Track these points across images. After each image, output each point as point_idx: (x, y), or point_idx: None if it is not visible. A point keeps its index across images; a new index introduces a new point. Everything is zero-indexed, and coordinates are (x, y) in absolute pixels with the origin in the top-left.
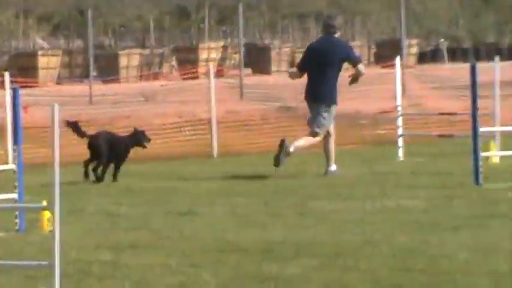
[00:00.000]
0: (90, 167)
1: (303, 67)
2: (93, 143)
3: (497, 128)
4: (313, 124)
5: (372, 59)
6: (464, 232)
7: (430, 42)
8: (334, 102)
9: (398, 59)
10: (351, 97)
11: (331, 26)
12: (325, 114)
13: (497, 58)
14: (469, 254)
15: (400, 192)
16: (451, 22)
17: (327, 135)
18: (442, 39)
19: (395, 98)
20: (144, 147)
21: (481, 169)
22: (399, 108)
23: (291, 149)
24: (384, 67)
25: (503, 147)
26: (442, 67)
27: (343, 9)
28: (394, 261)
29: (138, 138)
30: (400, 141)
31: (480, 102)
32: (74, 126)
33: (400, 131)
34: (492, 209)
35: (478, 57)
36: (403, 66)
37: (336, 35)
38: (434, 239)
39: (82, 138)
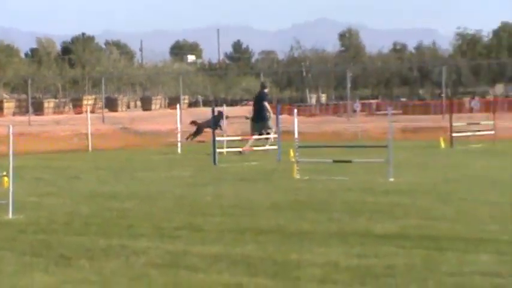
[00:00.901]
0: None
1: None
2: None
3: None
4: (261, 131)
5: None
6: (210, 186)
7: None
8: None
9: None
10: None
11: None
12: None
13: None
14: (212, 197)
15: (178, 167)
16: None
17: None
18: None
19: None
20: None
21: (217, 155)
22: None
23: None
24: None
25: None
26: None
27: None
28: (173, 205)
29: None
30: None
31: None
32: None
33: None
34: (221, 175)
35: None
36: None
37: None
38: (194, 191)
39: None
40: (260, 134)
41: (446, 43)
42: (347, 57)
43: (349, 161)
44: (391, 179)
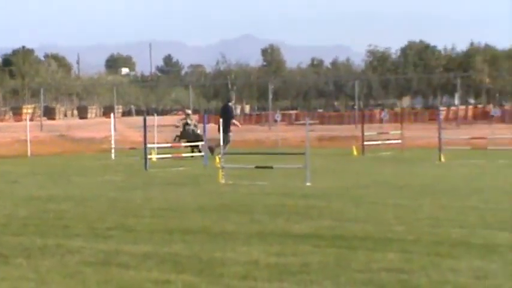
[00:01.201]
0: None
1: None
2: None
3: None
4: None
5: None
6: (141, 190)
7: None
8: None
9: None
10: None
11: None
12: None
13: None
14: (143, 200)
15: (111, 172)
16: None
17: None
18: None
19: None
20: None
21: (149, 161)
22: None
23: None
24: None
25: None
26: None
27: None
28: (106, 207)
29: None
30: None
31: None
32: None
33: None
34: (151, 179)
35: None
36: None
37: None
38: (126, 194)
39: None
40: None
41: (359, 59)
42: (269, 71)
43: (270, 167)
44: (308, 184)
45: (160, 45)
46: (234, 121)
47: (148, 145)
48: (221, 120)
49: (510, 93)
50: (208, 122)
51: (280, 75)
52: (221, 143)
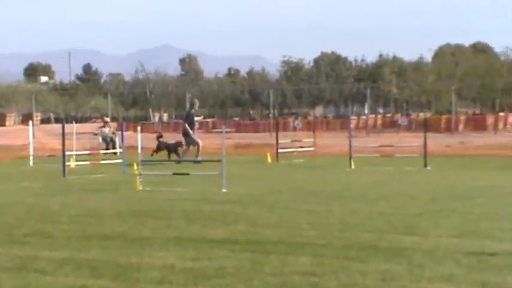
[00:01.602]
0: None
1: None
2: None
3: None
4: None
5: None
6: (59, 196)
7: None
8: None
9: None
10: None
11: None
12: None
13: None
14: (61, 206)
15: (29, 179)
16: None
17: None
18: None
19: None
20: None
21: (67, 167)
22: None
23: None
24: None
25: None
26: None
27: None
28: (24, 213)
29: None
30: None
31: None
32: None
33: None
34: (69, 186)
35: None
36: None
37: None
38: (44, 201)
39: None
40: (188, 146)
41: (274, 69)
42: (187, 80)
43: (187, 174)
44: (224, 190)
45: (80, 54)
46: (186, 126)
47: (67, 152)
48: (185, 125)
49: (416, 103)
50: (127, 130)
51: (198, 84)
52: (190, 147)
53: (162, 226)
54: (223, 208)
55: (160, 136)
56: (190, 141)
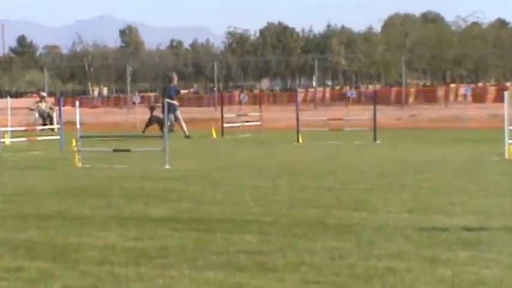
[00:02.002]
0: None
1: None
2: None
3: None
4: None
5: None
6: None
7: None
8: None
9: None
10: None
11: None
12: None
13: None
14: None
15: None
16: None
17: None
18: None
19: None
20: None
21: (1, 144)
22: None
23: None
24: None
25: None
26: None
27: None
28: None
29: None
30: None
31: None
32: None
33: None
34: (4, 163)
35: None
36: None
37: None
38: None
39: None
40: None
41: (218, 41)
42: (127, 53)
43: (129, 150)
44: (167, 167)
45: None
46: (168, 100)
47: (1, 128)
48: (162, 101)
49: (366, 75)
50: (65, 105)
51: (139, 57)
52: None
53: (102, 205)
54: (165, 185)
55: (153, 108)
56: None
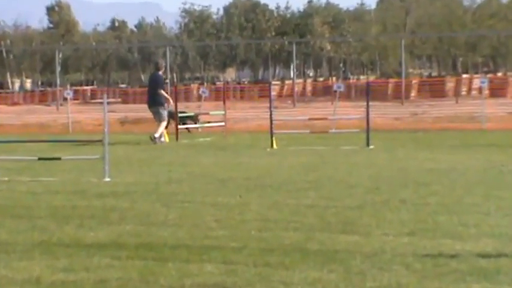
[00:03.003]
0: None
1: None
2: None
3: None
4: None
5: None
6: None
7: None
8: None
9: None
10: None
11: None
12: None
13: None
14: None
15: None
16: None
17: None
18: None
19: None
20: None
21: None
22: None
23: (156, 135)
24: None
25: None
26: None
27: None
28: None
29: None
30: None
31: None
32: None
33: None
34: None
35: None
36: None
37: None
38: None
39: None
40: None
41: (171, 20)
42: (56, 35)
43: (58, 158)
44: (107, 179)
45: None
46: (162, 92)
47: None
48: (150, 92)
49: (356, 63)
50: None
51: (71, 41)
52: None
53: (25, 227)
54: (105, 203)
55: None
56: (159, 114)
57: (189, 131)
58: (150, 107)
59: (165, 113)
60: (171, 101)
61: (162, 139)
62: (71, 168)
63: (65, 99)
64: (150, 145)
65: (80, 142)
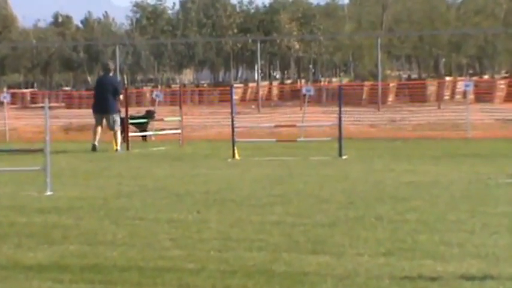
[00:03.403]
0: None
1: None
2: None
3: None
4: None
5: None
6: None
7: None
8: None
9: None
10: None
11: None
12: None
13: None
14: None
15: None
16: None
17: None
18: None
19: None
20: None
21: None
22: None
23: (119, 148)
24: None
25: None
26: None
27: None
28: None
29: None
30: None
31: None
32: None
33: None
34: None
35: None
36: None
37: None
38: None
39: None
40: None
41: (121, 16)
42: None
43: None
44: (49, 193)
45: None
46: (121, 97)
47: None
48: (99, 96)
49: (328, 64)
50: None
51: (9, 38)
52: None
53: None
54: (46, 219)
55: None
56: (112, 120)
57: (145, 140)
58: (104, 113)
59: (115, 118)
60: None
61: (119, 148)
62: (8, 180)
63: (1, 103)
64: (97, 155)
65: (18, 151)
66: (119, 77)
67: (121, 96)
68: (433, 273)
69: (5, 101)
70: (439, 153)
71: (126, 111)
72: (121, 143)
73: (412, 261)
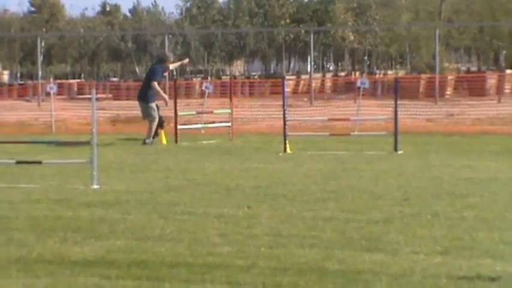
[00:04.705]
0: None
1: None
2: None
3: None
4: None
5: None
6: None
7: None
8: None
9: None
10: None
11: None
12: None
13: None
14: None
15: None
16: None
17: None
18: None
19: None
20: None
21: None
22: None
23: (147, 141)
24: None
25: None
26: None
27: None
28: None
29: None
30: None
31: None
32: None
33: None
34: None
35: None
36: None
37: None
38: None
39: None
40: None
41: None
42: (38, 21)
43: (39, 162)
44: (96, 186)
45: None
46: (155, 84)
47: None
48: (143, 84)
49: (384, 56)
50: None
51: (56, 27)
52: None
53: (0, 241)
54: (93, 213)
55: None
56: (146, 110)
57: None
58: (138, 100)
59: (155, 111)
60: (166, 99)
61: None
62: (54, 173)
63: (48, 94)
64: (145, 148)
65: (64, 144)
66: (164, 67)
67: (155, 84)
68: (491, 273)
69: (51, 92)
70: (498, 148)
71: (175, 103)
72: (153, 135)
73: (470, 260)
